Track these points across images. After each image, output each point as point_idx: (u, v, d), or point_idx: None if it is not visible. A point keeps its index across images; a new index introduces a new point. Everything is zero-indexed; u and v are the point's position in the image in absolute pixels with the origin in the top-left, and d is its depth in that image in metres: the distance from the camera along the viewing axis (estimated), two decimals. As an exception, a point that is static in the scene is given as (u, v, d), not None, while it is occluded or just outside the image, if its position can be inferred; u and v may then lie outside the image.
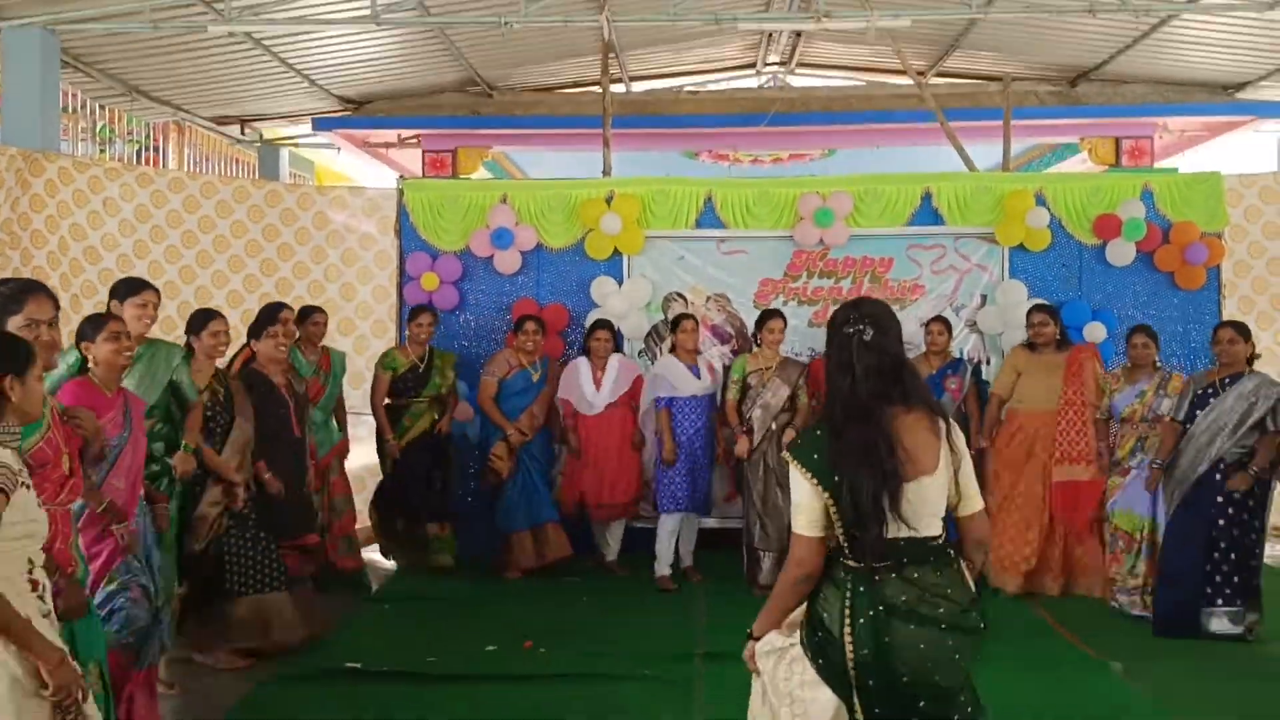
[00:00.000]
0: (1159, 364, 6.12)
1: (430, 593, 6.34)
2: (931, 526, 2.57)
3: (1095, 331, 7.09)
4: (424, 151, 11.32)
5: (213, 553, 4.94)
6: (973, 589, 2.62)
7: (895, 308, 7.15)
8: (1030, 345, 6.45)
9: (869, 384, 2.59)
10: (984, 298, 7.35)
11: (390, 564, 6.98)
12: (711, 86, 12.38)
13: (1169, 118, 10.76)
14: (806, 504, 2.60)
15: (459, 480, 7.10)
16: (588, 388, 6.65)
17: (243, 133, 11.49)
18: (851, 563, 2.56)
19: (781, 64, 12.29)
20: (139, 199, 7.08)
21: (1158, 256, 7.22)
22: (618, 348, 6.89)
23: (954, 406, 6.55)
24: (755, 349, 6.65)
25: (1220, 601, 5.48)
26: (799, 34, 10.83)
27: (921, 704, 2.53)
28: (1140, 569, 5.88)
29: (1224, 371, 5.57)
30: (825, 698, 2.59)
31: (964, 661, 2.58)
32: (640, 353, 7.41)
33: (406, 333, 6.89)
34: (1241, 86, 10.26)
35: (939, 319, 6.75)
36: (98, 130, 10.77)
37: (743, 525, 6.57)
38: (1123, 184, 7.45)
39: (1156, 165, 10.67)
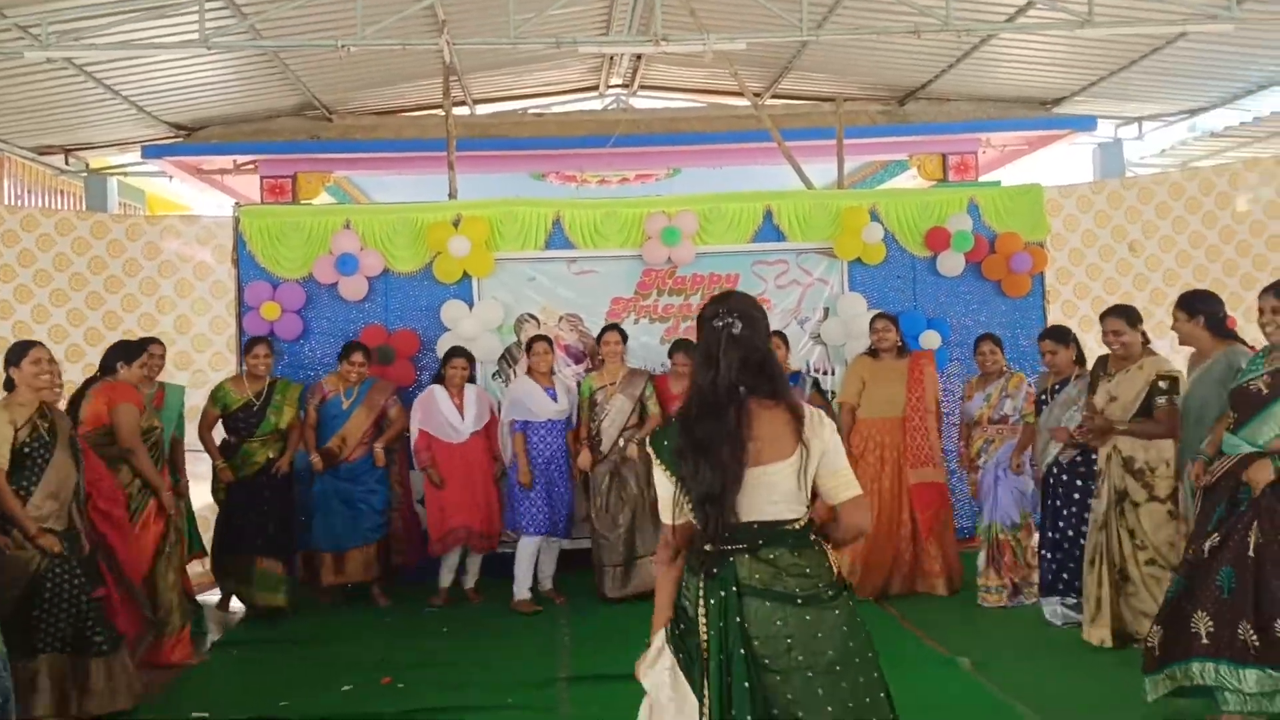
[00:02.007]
0: (1007, 368, 6.42)
1: (280, 634, 6.11)
2: (786, 511, 2.60)
3: (930, 339, 7.39)
4: (262, 177, 11.01)
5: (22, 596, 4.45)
6: (834, 569, 2.63)
7: (742, 323, 7.45)
8: (873, 353, 6.67)
9: (731, 376, 2.61)
10: (826, 310, 7.58)
11: (237, 607, 6.69)
12: (556, 108, 12.45)
13: (991, 133, 11.33)
14: (663, 491, 2.70)
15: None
16: (451, 415, 6.53)
17: (67, 162, 10.94)
18: (707, 547, 2.60)
19: (624, 86, 12.45)
20: (-49, 234, 6.67)
21: (985, 266, 7.58)
22: (471, 376, 6.81)
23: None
24: (600, 366, 6.72)
25: (1055, 594, 5.79)
26: (639, 57, 10.99)
27: (786, 692, 2.50)
28: (1003, 566, 6.21)
29: (1054, 378, 5.89)
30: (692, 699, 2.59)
31: (833, 641, 2.54)
32: (494, 375, 7.35)
33: (245, 366, 6.63)
34: (1058, 102, 10.88)
35: (776, 334, 6.90)
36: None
37: (591, 542, 6.61)
38: (950, 198, 7.80)
39: (981, 179, 11.21)
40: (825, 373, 7.46)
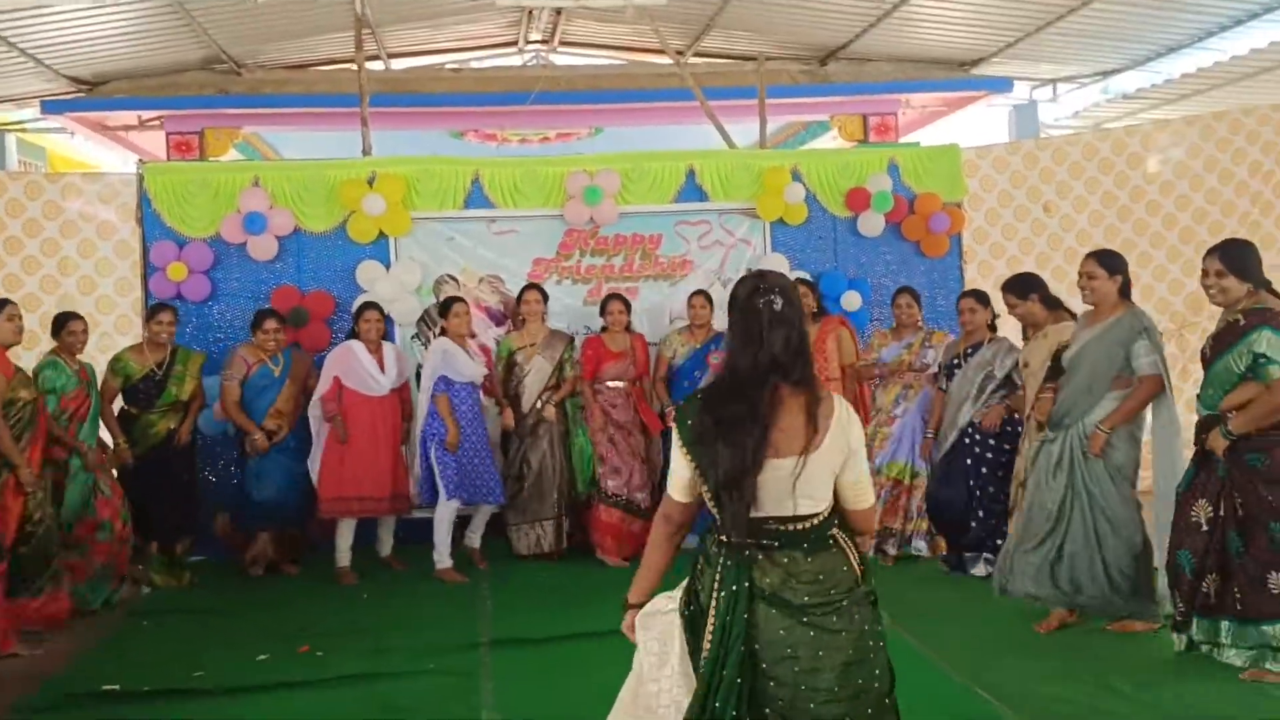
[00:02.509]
0: (922, 324, 6.52)
1: (194, 605, 5.96)
2: (807, 507, 2.48)
3: (851, 300, 7.44)
4: (168, 134, 10.61)
5: None
6: (855, 571, 2.53)
7: (665, 284, 7.46)
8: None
9: (772, 356, 2.47)
10: (749, 271, 7.56)
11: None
12: (474, 64, 12.19)
13: (911, 94, 11.39)
14: (676, 469, 2.58)
15: (219, 481, 6.69)
16: (372, 368, 6.35)
17: (-42, 118, 10.44)
18: (724, 538, 2.51)
19: (544, 42, 12.23)
20: None
21: (905, 226, 7.64)
22: (387, 334, 6.66)
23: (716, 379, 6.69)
24: (521, 326, 6.65)
25: (981, 550, 5.94)
26: (559, 12, 10.79)
27: (779, 697, 2.44)
28: (913, 513, 6.31)
29: (968, 340, 6.03)
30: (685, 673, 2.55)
31: (837, 659, 2.44)
32: (413, 338, 7.22)
33: (147, 333, 6.38)
34: (975, 63, 10.97)
35: (700, 293, 6.88)
36: None
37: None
38: (870, 158, 7.82)
39: (901, 140, 11.29)
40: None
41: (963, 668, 4.45)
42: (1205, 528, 4.32)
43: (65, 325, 5.84)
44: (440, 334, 6.57)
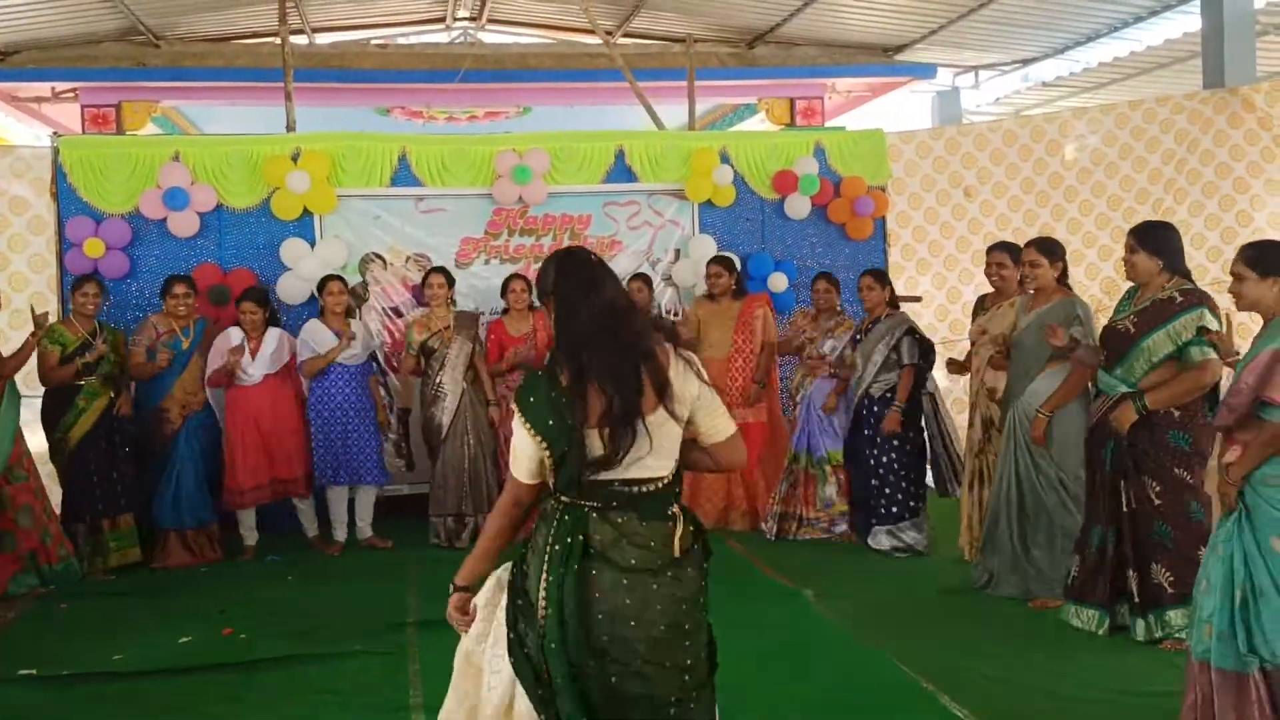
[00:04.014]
0: (840, 308, 6.63)
1: (113, 587, 5.86)
2: (646, 469, 2.47)
3: (778, 281, 7.52)
4: (83, 106, 10.33)
5: None
6: (676, 549, 2.49)
7: (594, 264, 7.43)
8: (711, 296, 6.79)
9: (597, 322, 2.46)
10: (678, 252, 7.62)
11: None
12: (401, 40, 12.03)
13: (837, 79, 11.52)
14: (522, 450, 2.51)
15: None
16: (243, 358, 6.25)
17: None
18: (565, 498, 2.49)
19: (472, 19, 12.12)
20: None
21: (830, 209, 7.74)
22: (276, 319, 6.51)
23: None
24: (428, 310, 6.59)
25: (885, 521, 6.10)
26: (488, -12, 10.71)
27: (612, 664, 2.42)
28: (804, 499, 6.48)
29: (871, 316, 6.16)
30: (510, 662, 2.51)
31: (659, 624, 2.43)
32: (341, 316, 7.12)
33: (70, 306, 6.23)
34: (900, 49, 11.12)
35: (639, 276, 6.93)
36: None
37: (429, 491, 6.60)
38: (797, 142, 7.90)
39: (827, 124, 11.41)
40: (677, 314, 7.52)
41: (882, 644, 4.55)
42: (1125, 508, 4.46)
43: None
44: (319, 314, 6.49)
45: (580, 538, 2.45)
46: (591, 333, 2.47)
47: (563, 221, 7.47)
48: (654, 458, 2.47)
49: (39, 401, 6.14)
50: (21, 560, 5.66)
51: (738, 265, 7.11)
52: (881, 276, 6.28)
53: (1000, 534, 5.16)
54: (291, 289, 6.94)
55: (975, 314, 5.89)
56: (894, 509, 6.08)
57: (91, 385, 6.03)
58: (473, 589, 2.69)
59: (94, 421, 6.03)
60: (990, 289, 5.82)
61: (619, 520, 2.47)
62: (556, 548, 2.46)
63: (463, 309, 6.82)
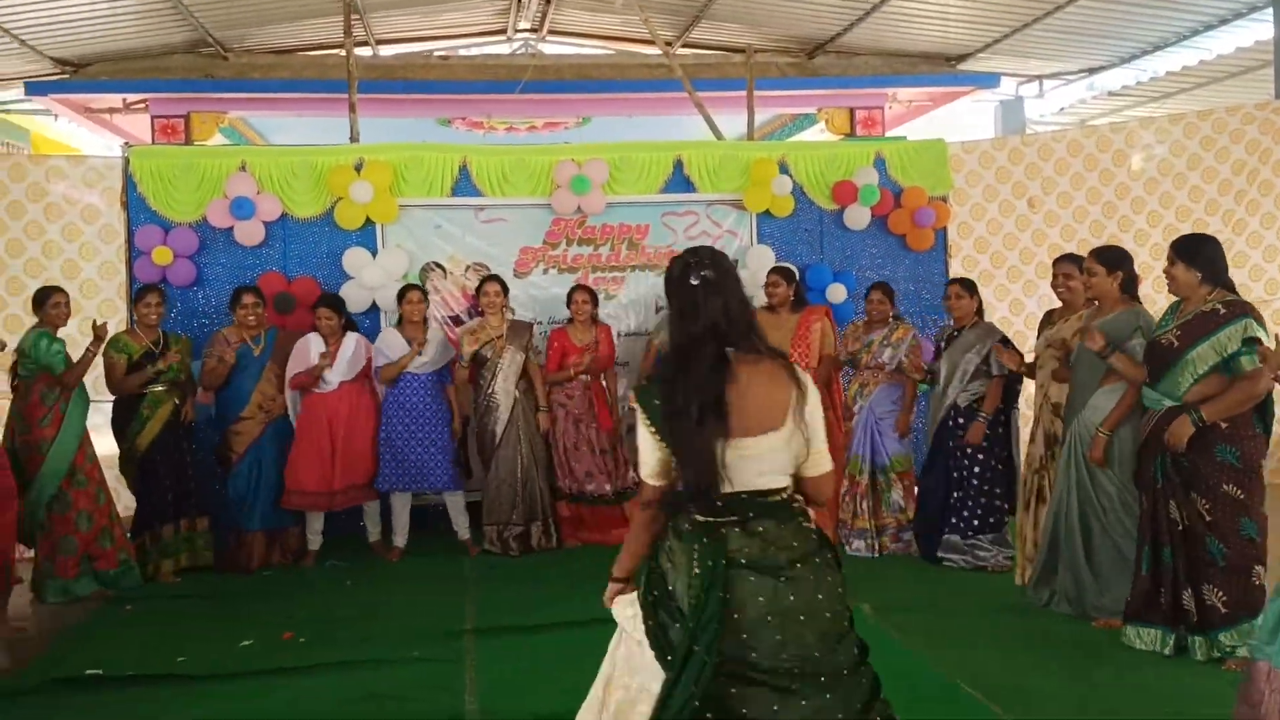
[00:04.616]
0: (896, 317, 6.56)
1: (176, 589, 5.96)
2: (774, 481, 2.52)
3: (836, 292, 7.47)
4: (153, 117, 10.58)
5: None
6: (820, 540, 2.57)
7: (652, 274, 7.46)
8: (770, 307, 6.74)
9: (712, 325, 2.51)
10: (735, 262, 7.54)
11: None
12: (463, 52, 12.16)
13: (898, 89, 11.42)
14: (647, 453, 2.57)
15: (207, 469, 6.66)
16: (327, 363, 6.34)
17: (-60, 98, 10.36)
18: (699, 516, 2.51)
19: (533, 30, 12.23)
20: None
21: (890, 220, 7.67)
22: (353, 325, 6.60)
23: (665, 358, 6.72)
24: (480, 319, 6.62)
25: (955, 532, 6.00)
26: (548, 0, 10.79)
27: (759, 670, 2.43)
28: (864, 510, 6.33)
29: (955, 325, 6.07)
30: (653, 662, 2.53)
31: (814, 625, 2.46)
32: (398, 324, 7.19)
33: (135, 315, 6.35)
34: (962, 58, 11.01)
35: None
36: None
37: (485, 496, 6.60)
38: (857, 152, 7.85)
39: (887, 134, 11.32)
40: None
41: (943, 660, 4.48)
42: (1180, 525, 4.37)
43: (48, 299, 5.79)
44: (397, 323, 6.57)
45: (722, 560, 2.46)
46: (689, 349, 2.52)
47: (621, 231, 7.49)
48: (771, 472, 2.51)
49: (109, 407, 6.28)
50: (80, 563, 5.77)
51: (796, 275, 7.07)
52: (970, 286, 6.15)
53: (1061, 552, 5.05)
54: (354, 297, 7.03)
55: (1041, 328, 5.78)
56: (974, 522, 5.97)
57: (156, 394, 6.12)
58: (628, 581, 2.73)
59: (160, 428, 6.12)
60: (1057, 302, 5.72)
61: (759, 529, 2.50)
62: (697, 571, 2.47)
63: (517, 318, 6.84)
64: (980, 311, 6.15)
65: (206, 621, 5.37)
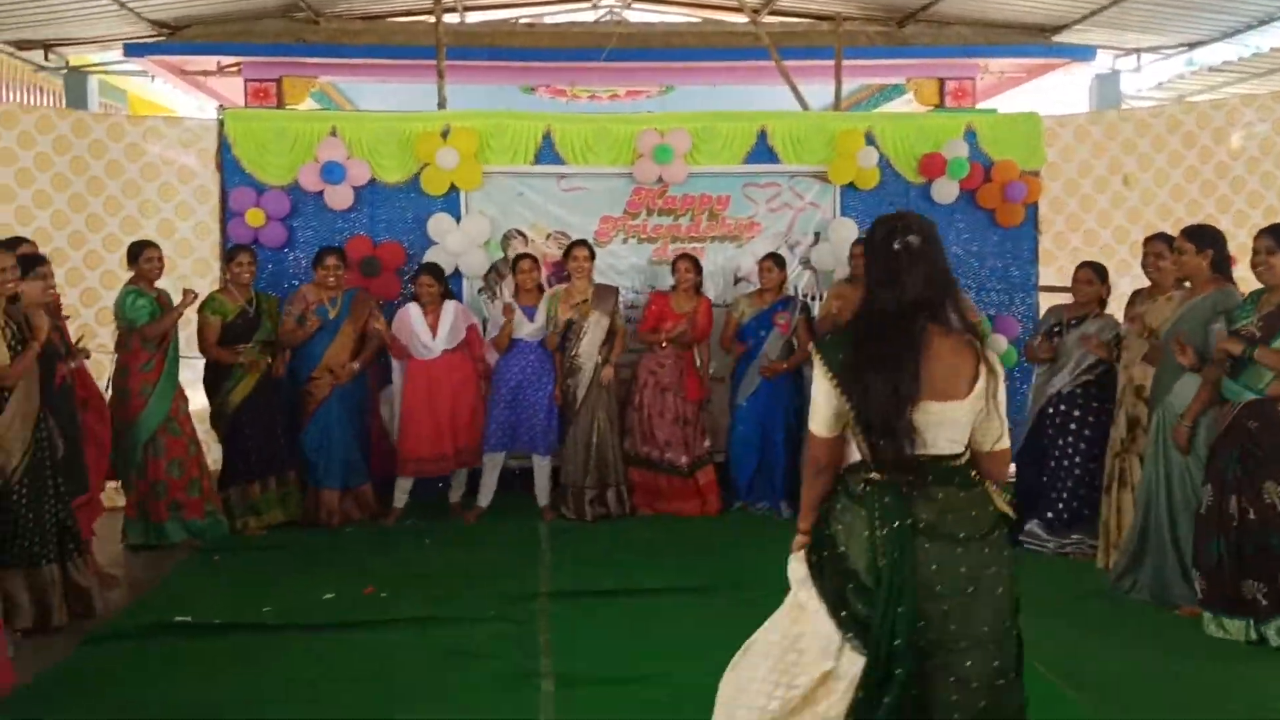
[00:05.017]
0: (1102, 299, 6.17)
1: (262, 542, 6.14)
2: (953, 447, 2.52)
3: (921, 268, 7.34)
4: (246, 80, 10.76)
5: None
6: (996, 512, 2.56)
7: (732, 245, 7.43)
8: (852, 279, 6.66)
9: (915, 295, 2.49)
10: (817, 235, 7.52)
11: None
12: (548, 19, 12.16)
13: (990, 60, 11.15)
14: (823, 404, 2.56)
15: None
16: (423, 332, 6.47)
17: (46, 59, 10.65)
18: (875, 475, 2.52)
19: (618, -3, 12.17)
20: (-71, 129, 6.50)
21: (980, 194, 7.51)
22: (450, 293, 6.71)
23: (782, 341, 6.69)
24: (566, 283, 6.66)
25: (1040, 520, 5.88)
26: (635, -33, 10.74)
27: (931, 635, 2.46)
28: None
29: (1075, 310, 5.92)
30: (825, 630, 2.54)
31: (985, 595, 2.49)
32: (479, 291, 7.29)
33: (227, 275, 6.51)
34: (1058, 30, 10.70)
35: (772, 255, 6.86)
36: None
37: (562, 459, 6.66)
38: (947, 124, 7.69)
39: (978, 106, 11.08)
40: (813, 298, 7.43)
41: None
42: (1235, 520, 4.30)
43: (142, 253, 5.98)
44: (513, 292, 6.67)
45: (908, 520, 2.47)
46: (883, 317, 2.51)
47: (701, 202, 7.46)
48: (951, 440, 2.52)
49: (199, 364, 6.47)
50: (169, 509, 5.98)
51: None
52: (1101, 271, 5.93)
53: (1146, 538, 4.94)
54: (474, 262, 7.15)
55: (1129, 308, 5.63)
56: (1064, 515, 5.83)
57: (249, 351, 6.29)
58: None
59: (253, 386, 6.29)
60: (1149, 282, 5.56)
61: (939, 495, 2.51)
62: (884, 532, 2.48)
63: (604, 283, 6.87)
64: (1104, 300, 5.92)
65: (290, 574, 5.53)
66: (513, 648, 4.45)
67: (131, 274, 6.01)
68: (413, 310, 6.51)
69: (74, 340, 5.49)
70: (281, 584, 5.35)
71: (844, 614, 2.50)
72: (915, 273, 2.50)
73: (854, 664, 2.48)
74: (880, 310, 2.53)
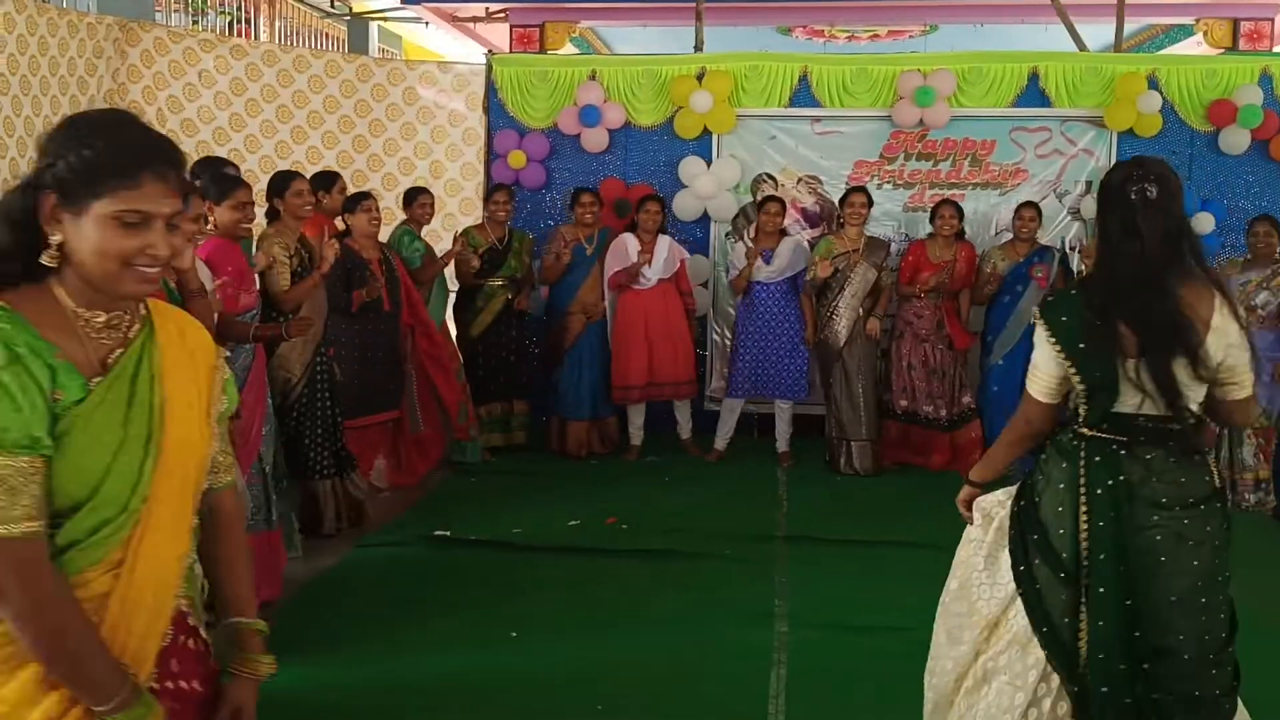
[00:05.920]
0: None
1: (512, 467, 6.47)
2: (1191, 403, 2.41)
3: (1203, 223, 6.81)
4: (511, 26, 11.16)
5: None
6: (1211, 485, 2.43)
7: (995, 193, 7.13)
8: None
9: (1156, 248, 2.36)
10: (1089, 184, 7.09)
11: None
12: (807, -42, 11.91)
13: (1295, -4, 10.11)
14: (1044, 368, 2.50)
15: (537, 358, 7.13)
16: (639, 261, 6.56)
17: (332, 5, 11.42)
18: (1087, 431, 2.45)
19: (881, -66, 11.75)
20: (234, 72, 7.12)
21: (1273, 145, 6.86)
22: (663, 229, 6.73)
23: (1041, 295, 6.37)
24: (839, 229, 6.54)
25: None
26: (902, -98, 10.34)
27: (1142, 601, 2.37)
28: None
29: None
30: (1008, 586, 2.52)
31: (1191, 563, 2.37)
32: (726, 235, 7.32)
33: (485, 212, 6.84)
34: (1379, -38, 9.57)
35: (1029, 204, 6.52)
36: (190, 1, 10.80)
37: (826, 413, 6.57)
38: (1240, 68, 7.04)
39: (1276, 49, 10.08)
40: (1078, 250, 7.01)
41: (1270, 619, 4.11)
42: None
43: (416, 199, 6.41)
44: (755, 232, 6.65)
45: (1120, 478, 2.41)
46: (1128, 273, 2.40)
47: (964, 146, 7.17)
48: (1194, 399, 2.41)
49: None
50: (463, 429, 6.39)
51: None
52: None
53: None
54: (687, 206, 7.21)
55: None
56: None
57: (492, 287, 6.63)
58: (983, 487, 2.76)
59: (493, 318, 6.64)
60: None
61: (1147, 457, 2.42)
62: (1098, 491, 2.42)
63: (874, 235, 6.72)
64: None
65: (539, 499, 5.82)
66: (747, 586, 4.53)
67: (405, 216, 6.42)
68: (628, 240, 6.61)
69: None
70: (529, 507, 5.64)
71: (1022, 569, 2.47)
72: (1151, 225, 2.36)
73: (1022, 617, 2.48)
74: (1121, 266, 2.39)
